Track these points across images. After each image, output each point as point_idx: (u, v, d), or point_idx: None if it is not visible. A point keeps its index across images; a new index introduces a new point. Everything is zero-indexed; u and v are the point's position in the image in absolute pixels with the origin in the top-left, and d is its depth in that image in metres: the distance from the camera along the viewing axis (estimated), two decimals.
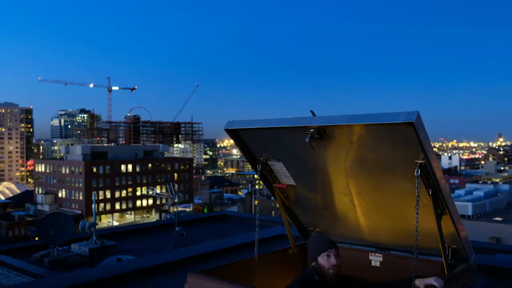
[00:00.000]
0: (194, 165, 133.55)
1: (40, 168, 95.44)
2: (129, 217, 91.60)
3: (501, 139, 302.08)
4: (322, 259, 3.05)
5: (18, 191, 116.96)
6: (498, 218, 51.93)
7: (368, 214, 3.48)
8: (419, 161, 2.75)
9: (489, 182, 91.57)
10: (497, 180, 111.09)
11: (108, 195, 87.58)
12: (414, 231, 2.89)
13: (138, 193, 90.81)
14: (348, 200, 3.50)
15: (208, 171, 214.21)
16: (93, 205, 12.76)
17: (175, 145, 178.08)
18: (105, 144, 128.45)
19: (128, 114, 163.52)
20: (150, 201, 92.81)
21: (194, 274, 3.13)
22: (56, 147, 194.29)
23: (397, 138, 2.73)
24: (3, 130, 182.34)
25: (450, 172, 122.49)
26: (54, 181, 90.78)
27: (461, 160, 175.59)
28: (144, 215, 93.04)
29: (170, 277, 6.28)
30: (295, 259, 3.88)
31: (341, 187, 3.43)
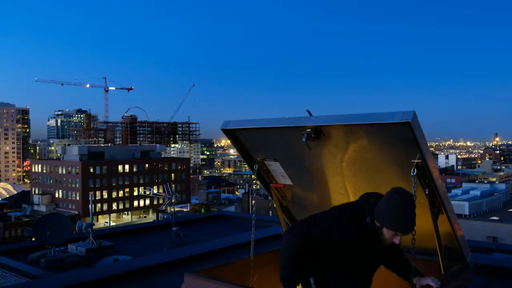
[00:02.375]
0: (191, 165, 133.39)
1: (37, 168, 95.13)
2: (126, 218, 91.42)
3: (497, 139, 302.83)
4: (388, 233, 2.62)
5: (15, 192, 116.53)
6: (494, 218, 52.03)
7: None
8: (416, 161, 2.75)
9: (485, 182, 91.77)
10: (494, 179, 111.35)
11: (105, 195, 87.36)
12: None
13: (135, 193, 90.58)
14: (345, 200, 3.50)
15: (205, 171, 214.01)
16: (90, 206, 12.72)
17: (172, 145, 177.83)
18: (102, 144, 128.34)
19: (125, 114, 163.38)
20: (147, 201, 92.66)
21: (191, 274, 3.12)
22: (52, 148, 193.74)
23: (394, 138, 2.73)
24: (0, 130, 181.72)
25: (447, 171, 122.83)
26: (51, 182, 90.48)
27: (457, 159, 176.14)
28: (141, 215, 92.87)
29: (167, 277, 6.27)
30: None
31: (337, 186, 3.43)
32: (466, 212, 54.19)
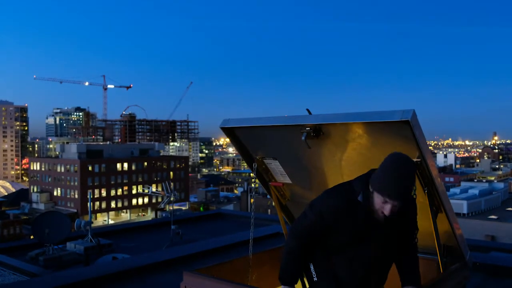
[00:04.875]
0: (190, 163, 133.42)
1: (35, 166, 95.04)
2: (125, 216, 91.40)
3: (496, 138, 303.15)
4: (378, 198, 2.40)
5: (13, 190, 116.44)
6: (493, 216, 52.08)
7: None
8: (415, 159, 2.75)
9: (484, 181, 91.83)
10: (492, 178, 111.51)
11: (104, 193, 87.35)
12: None
13: (134, 192, 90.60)
14: None
15: (204, 169, 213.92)
16: (88, 204, 12.74)
17: (171, 143, 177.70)
18: (101, 143, 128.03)
19: (123, 112, 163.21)
20: (146, 200, 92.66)
21: (190, 272, 3.12)
22: (51, 146, 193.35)
23: (393, 137, 2.73)
24: None
25: (446, 170, 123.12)
26: (49, 180, 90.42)
27: (456, 158, 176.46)
28: (139, 214, 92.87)
29: (166, 276, 6.26)
30: None
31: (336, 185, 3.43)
32: (465, 211, 54.22)
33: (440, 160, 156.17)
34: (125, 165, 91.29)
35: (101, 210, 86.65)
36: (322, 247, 2.68)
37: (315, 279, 2.70)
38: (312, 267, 2.73)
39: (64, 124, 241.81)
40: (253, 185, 3.85)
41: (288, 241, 2.72)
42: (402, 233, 2.70)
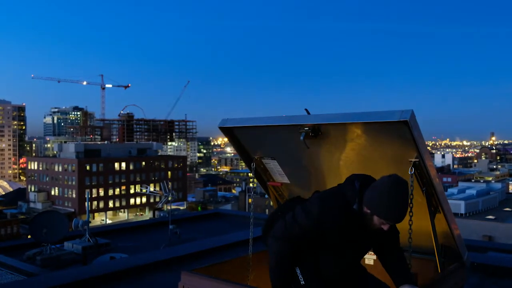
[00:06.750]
0: (187, 163, 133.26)
1: (33, 165, 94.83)
2: (123, 215, 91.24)
3: (493, 138, 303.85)
4: (378, 220, 2.52)
5: (11, 189, 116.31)
6: (490, 217, 52.11)
7: None
8: (413, 160, 2.76)
9: (481, 181, 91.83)
10: (490, 178, 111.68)
11: (102, 193, 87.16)
12: (408, 230, 2.89)
13: (132, 191, 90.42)
14: None
15: (202, 169, 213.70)
16: (86, 203, 12.70)
17: (169, 143, 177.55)
18: (99, 142, 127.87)
19: (121, 111, 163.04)
20: (144, 199, 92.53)
21: (188, 272, 3.12)
22: (49, 145, 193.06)
23: (391, 137, 2.73)
24: None
25: (443, 170, 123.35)
26: (47, 179, 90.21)
27: (454, 158, 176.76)
28: (137, 213, 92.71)
29: (164, 276, 6.26)
30: None
31: (335, 185, 3.43)
32: (462, 211, 54.25)
33: (438, 160, 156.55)
34: (123, 164, 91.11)
35: (99, 210, 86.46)
36: (310, 249, 2.71)
37: (302, 282, 2.71)
38: (298, 271, 2.73)
39: (62, 124, 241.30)
40: (251, 185, 3.83)
41: (279, 245, 2.69)
42: (387, 235, 2.74)
